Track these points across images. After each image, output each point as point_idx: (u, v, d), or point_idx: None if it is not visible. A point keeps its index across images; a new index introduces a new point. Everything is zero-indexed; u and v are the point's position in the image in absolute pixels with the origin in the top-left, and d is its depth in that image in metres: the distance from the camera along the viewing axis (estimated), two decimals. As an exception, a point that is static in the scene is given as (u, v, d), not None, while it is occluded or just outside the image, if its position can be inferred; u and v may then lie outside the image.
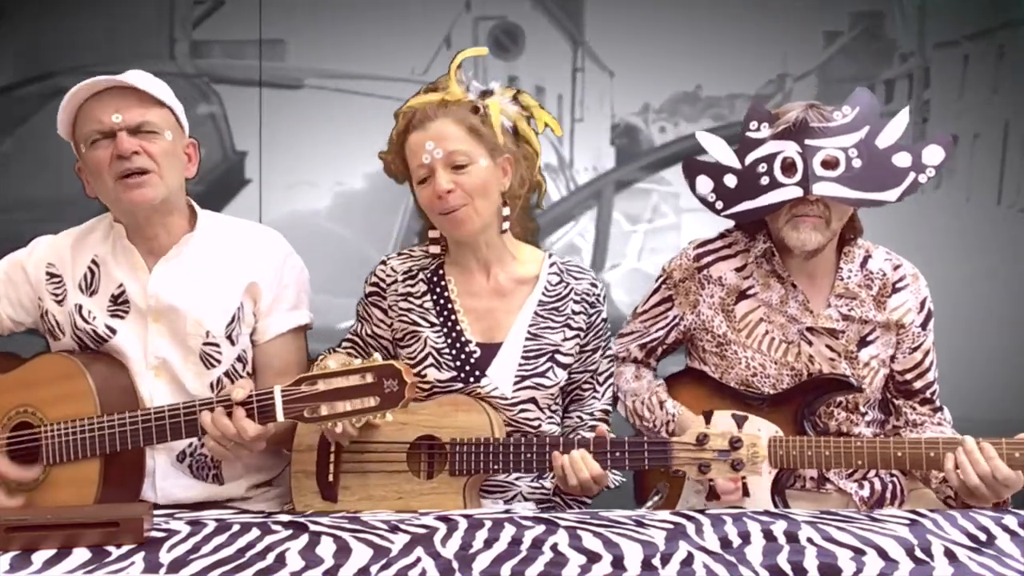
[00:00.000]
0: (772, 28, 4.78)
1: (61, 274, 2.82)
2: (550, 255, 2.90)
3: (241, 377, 2.82)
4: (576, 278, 2.86)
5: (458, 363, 2.78)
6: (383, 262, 2.92)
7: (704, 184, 2.90)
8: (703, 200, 2.92)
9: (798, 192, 2.75)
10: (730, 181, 2.86)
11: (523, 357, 2.79)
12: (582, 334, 2.84)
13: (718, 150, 2.90)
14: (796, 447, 2.75)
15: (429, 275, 2.85)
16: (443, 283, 2.84)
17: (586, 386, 2.90)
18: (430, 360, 2.79)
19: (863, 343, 2.91)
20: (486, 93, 2.79)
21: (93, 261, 2.81)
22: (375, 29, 4.69)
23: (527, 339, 2.80)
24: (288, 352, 2.89)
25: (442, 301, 2.82)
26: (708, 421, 2.64)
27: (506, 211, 2.79)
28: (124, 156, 2.65)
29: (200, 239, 2.82)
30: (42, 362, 2.77)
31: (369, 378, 2.42)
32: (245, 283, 2.81)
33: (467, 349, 2.78)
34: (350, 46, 4.70)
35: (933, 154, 2.80)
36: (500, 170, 2.75)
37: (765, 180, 2.79)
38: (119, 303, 2.78)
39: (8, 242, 2.97)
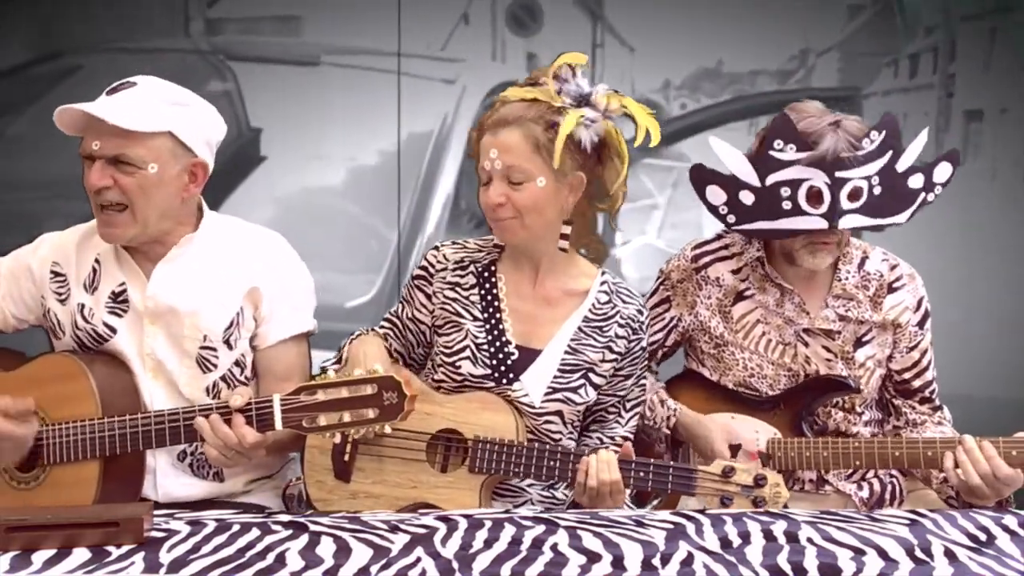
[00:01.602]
0: (794, 2, 4.72)
1: (66, 273, 2.81)
2: (603, 273, 2.85)
3: (238, 382, 2.81)
4: (624, 301, 2.82)
5: (495, 361, 2.75)
6: (436, 248, 2.89)
7: (716, 195, 2.80)
8: (712, 210, 2.83)
9: (823, 224, 2.70)
10: (746, 198, 2.76)
11: (559, 369, 2.76)
12: (620, 359, 2.80)
13: (735, 163, 2.78)
14: (795, 449, 2.77)
15: (480, 269, 2.83)
16: (493, 279, 2.82)
17: (612, 410, 2.86)
18: (467, 353, 2.77)
19: (859, 344, 2.90)
20: (582, 99, 2.68)
21: (96, 260, 2.79)
22: (392, 5, 4.66)
23: (566, 352, 2.77)
24: (289, 358, 2.87)
25: (489, 297, 2.80)
26: (735, 455, 2.63)
27: (566, 229, 2.73)
28: (91, 191, 2.63)
29: (201, 241, 2.79)
30: (45, 362, 2.77)
31: (369, 390, 2.41)
32: (246, 288, 2.79)
33: (506, 349, 2.76)
34: (367, 22, 4.67)
35: (943, 172, 2.77)
36: (566, 188, 2.68)
37: (787, 205, 2.71)
38: (119, 300, 2.76)
39: (22, 220, 2.96)
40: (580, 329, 2.78)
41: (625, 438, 2.86)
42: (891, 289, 2.91)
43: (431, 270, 2.85)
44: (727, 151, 2.78)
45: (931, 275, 3.01)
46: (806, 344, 2.89)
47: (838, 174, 2.67)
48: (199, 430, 2.54)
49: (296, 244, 2.92)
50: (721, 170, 2.83)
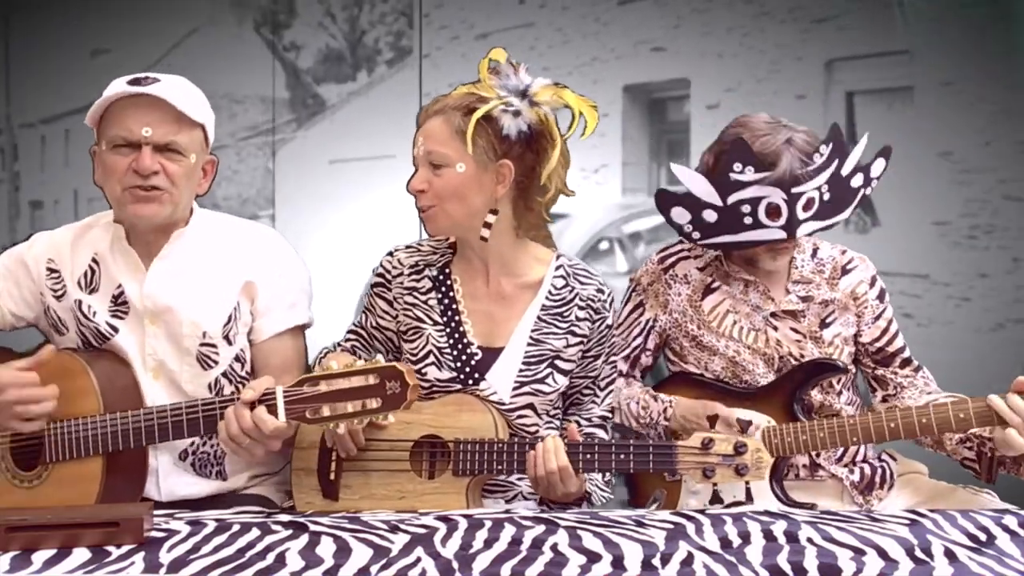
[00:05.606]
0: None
1: (60, 269, 2.80)
2: (558, 256, 2.84)
3: (240, 378, 2.81)
4: (582, 283, 2.82)
5: (459, 364, 2.75)
6: (390, 253, 2.88)
7: (681, 215, 2.90)
8: (678, 228, 2.92)
9: (782, 235, 2.84)
10: (709, 216, 2.87)
11: (523, 363, 2.76)
12: (585, 340, 2.80)
13: (698, 186, 2.87)
14: (791, 433, 2.84)
15: (435, 272, 2.82)
16: (449, 282, 2.81)
17: (586, 392, 2.87)
18: (431, 359, 2.77)
19: (824, 324, 3.00)
20: (519, 93, 2.66)
21: (93, 259, 2.79)
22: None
23: (529, 344, 2.77)
24: (286, 350, 2.87)
25: (447, 301, 2.80)
26: (712, 425, 2.65)
27: (490, 218, 2.70)
28: (143, 174, 2.64)
29: (192, 235, 2.80)
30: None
31: (372, 379, 2.40)
32: (241, 282, 2.80)
33: (469, 351, 2.76)
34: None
35: (878, 167, 2.91)
36: (491, 176, 2.67)
37: (748, 220, 2.84)
38: (119, 303, 2.77)
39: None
40: (539, 319, 2.78)
41: (603, 417, 2.88)
42: (845, 271, 3.05)
43: (388, 276, 2.86)
44: (689, 176, 2.88)
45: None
46: (775, 328, 2.99)
47: (794, 190, 2.80)
48: (225, 419, 2.53)
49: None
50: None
